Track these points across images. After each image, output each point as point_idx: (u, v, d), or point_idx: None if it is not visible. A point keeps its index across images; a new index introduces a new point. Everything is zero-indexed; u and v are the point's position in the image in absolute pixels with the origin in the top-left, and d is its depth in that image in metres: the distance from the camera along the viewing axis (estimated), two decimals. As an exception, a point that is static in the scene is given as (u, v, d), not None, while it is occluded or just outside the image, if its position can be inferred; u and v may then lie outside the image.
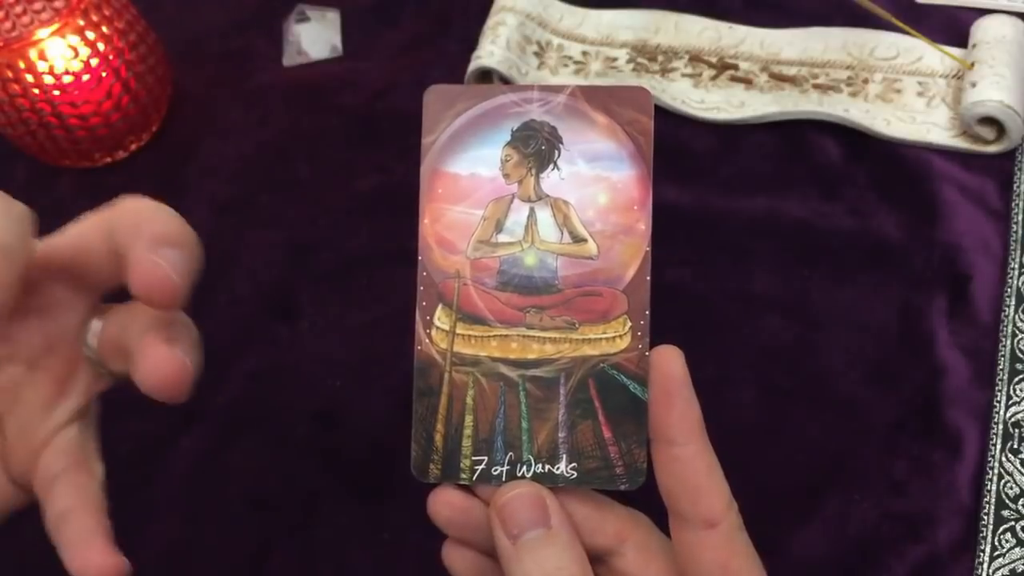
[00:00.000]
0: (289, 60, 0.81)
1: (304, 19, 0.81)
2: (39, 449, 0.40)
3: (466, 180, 0.40)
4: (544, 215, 0.40)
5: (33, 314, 0.39)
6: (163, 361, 0.37)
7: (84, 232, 0.38)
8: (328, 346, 0.67)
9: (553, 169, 0.40)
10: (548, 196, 0.40)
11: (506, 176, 0.40)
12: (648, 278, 0.39)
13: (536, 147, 0.40)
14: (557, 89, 0.40)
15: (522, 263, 0.40)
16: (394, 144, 0.74)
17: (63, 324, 0.40)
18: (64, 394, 0.40)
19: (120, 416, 0.66)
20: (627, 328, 0.39)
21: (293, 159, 0.76)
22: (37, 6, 0.73)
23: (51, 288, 0.39)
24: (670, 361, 0.38)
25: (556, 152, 0.40)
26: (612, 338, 0.39)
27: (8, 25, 0.71)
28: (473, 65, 0.73)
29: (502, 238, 0.40)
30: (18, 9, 0.72)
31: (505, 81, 0.73)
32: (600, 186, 0.39)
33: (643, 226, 0.39)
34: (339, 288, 0.70)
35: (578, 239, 0.39)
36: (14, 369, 0.40)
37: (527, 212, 0.40)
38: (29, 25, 0.71)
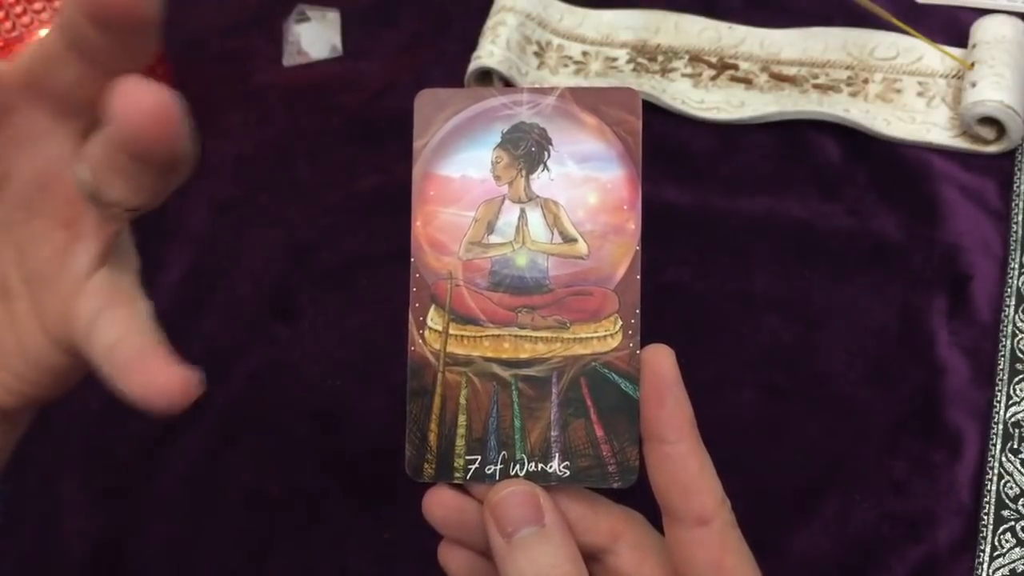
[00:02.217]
0: (289, 60, 0.81)
1: (304, 19, 0.81)
2: (70, 301, 0.36)
3: (457, 182, 0.40)
4: (535, 216, 0.40)
5: (11, 145, 0.36)
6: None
7: (43, 40, 0.34)
8: (328, 346, 0.67)
9: (543, 170, 0.40)
10: (538, 197, 0.40)
11: (497, 178, 0.40)
12: (638, 277, 0.39)
13: (526, 148, 0.40)
14: (546, 91, 0.40)
15: (513, 263, 0.40)
16: (394, 144, 0.75)
17: (49, 156, 0.36)
18: (76, 238, 0.37)
19: (120, 416, 0.67)
20: (618, 327, 0.39)
21: (293, 159, 0.76)
22: (37, 6, 0.73)
23: (26, 115, 0.36)
24: (660, 360, 0.38)
25: (546, 153, 0.40)
26: (603, 337, 0.39)
27: (8, 25, 0.71)
28: (473, 65, 0.73)
29: (493, 239, 0.40)
30: (18, 9, 0.72)
31: (505, 81, 0.73)
32: (590, 186, 0.39)
33: (633, 226, 0.39)
34: (339, 288, 0.70)
35: (568, 239, 0.39)
36: (10, 214, 0.37)
37: (518, 213, 0.40)
38: (29, 25, 0.71)
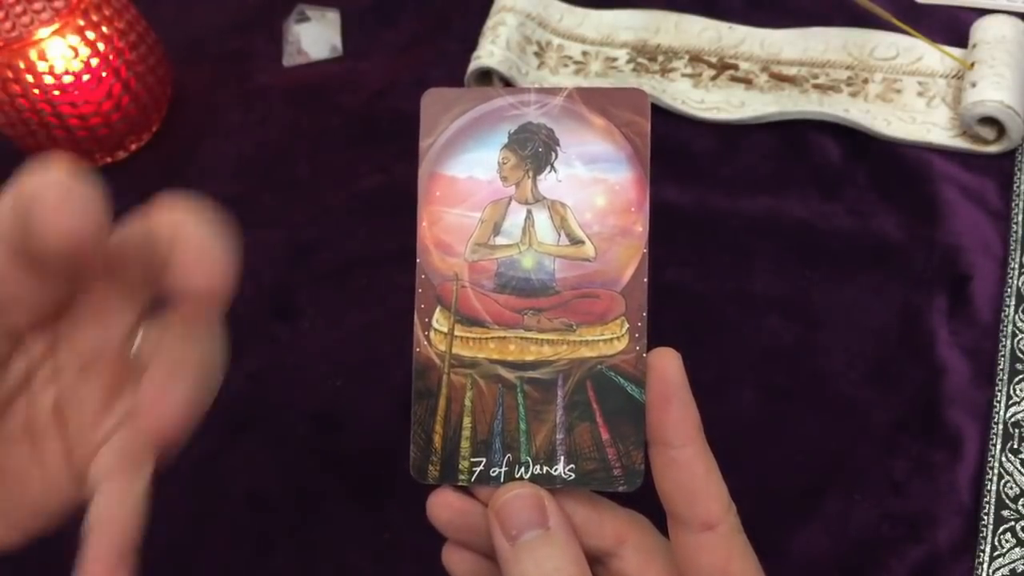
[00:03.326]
0: (289, 60, 0.81)
1: (304, 19, 0.81)
2: (95, 449, 0.39)
3: (464, 183, 0.40)
4: (542, 217, 0.40)
5: (88, 317, 0.39)
6: (158, 414, 0.36)
7: (128, 230, 0.37)
8: (328, 346, 0.67)
9: (550, 171, 0.40)
10: (545, 198, 0.40)
11: (503, 179, 0.40)
12: (645, 280, 0.39)
13: (533, 149, 0.40)
14: (554, 91, 0.40)
15: (520, 265, 0.40)
16: (394, 144, 0.74)
17: (113, 331, 0.39)
18: (114, 399, 0.39)
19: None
20: (624, 330, 0.39)
21: (293, 159, 0.76)
22: (37, 6, 0.73)
23: (103, 291, 0.39)
24: (667, 363, 0.38)
25: (553, 154, 0.40)
26: (610, 340, 0.39)
27: (8, 25, 0.71)
28: (473, 65, 0.73)
29: (500, 240, 0.40)
30: (18, 9, 0.72)
31: (505, 81, 0.73)
32: (597, 188, 0.39)
33: (640, 228, 0.39)
34: (339, 288, 0.70)
35: (575, 241, 0.39)
36: (71, 372, 0.39)
37: (524, 214, 0.40)
38: (29, 25, 0.71)
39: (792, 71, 0.72)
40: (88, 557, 0.37)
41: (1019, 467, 0.57)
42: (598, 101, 0.40)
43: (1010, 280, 0.63)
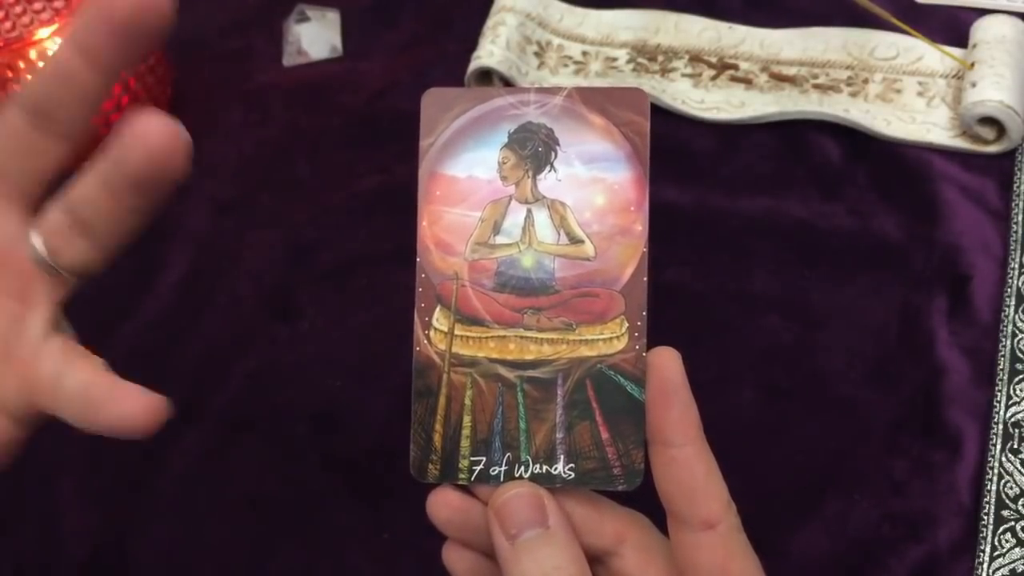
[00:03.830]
0: (289, 60, 0.81)
1: (304, 19, 0.81)
2: (30, 366, 0.39)
3: (464, 182, 0.40)
4: (541, 216, 0.40)
5: None
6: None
7: None
8: (328, 346, 0.67)
9: (550, 171, 0.40)
10: (545, 198, 0.40)
11: (503, 178, 0.40)
12: (645, 279, 0.39)
13: (533, 149, 0.40)
14: (554, 91, 0.40)
15: (519, 264, 0.40)
16: (394, 144, 0.74)
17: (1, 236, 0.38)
18: (28, 307, 0.39)
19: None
20: (624, 329, 0.39)
21: (293, 159, 0.76)
22: (37, 6, 0.73)
23: None
24: (667, 363, 0.38)
25: (553, 154, 0.40)
26: (609, 339, 0.39)
27: (8, 25, 0.71)
28: (473, 65, 0.73)
29: (500, 240, 0.40)
30: (18, 9, 0.72)
31: (505, 81, 0.73)
32: (597, 187, 0.39)
33: (640, 227, 0.39)
34: (339, 288, 0.70)
35: (575, 240, 0.39)
36: None
37: (524, 214, 0.40)
38: (29, 25, 0.72)
39: (792, 71, 0.72)
40: (101, 401, 0.38)
41: (1019, 467, 0.57)
42: (598, 101, 0.40)
43: (1010, 280, 0.63)
